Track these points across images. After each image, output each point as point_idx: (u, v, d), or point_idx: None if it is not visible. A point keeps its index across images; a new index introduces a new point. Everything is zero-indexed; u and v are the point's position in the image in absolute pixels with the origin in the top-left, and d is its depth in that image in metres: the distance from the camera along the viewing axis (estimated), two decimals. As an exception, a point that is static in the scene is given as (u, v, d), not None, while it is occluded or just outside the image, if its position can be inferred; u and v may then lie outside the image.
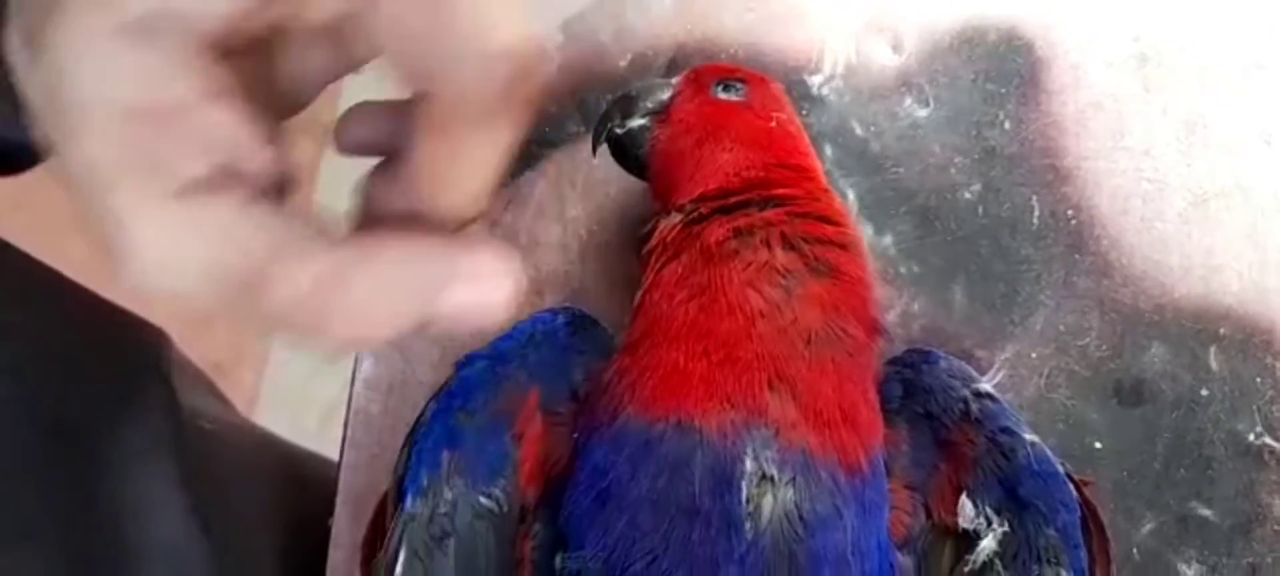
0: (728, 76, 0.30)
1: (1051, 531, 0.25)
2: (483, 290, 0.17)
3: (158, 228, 0.16)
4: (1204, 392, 0.30)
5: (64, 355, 0.31)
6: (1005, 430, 0.26)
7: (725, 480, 0.24)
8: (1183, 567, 0.28)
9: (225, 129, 0.17)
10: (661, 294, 0.27)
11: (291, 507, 0.36)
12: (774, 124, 0.29)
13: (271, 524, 0.35)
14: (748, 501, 0.24)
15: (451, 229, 0.18)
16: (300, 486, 0.38)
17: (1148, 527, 0.29)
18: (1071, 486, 0.25)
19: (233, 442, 0.37)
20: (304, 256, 0.17)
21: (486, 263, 0.17)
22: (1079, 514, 0.25)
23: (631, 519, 0.25)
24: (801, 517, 0.24)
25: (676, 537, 0.24)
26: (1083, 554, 0.25)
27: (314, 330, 0.17)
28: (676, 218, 0.28)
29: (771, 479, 0.24)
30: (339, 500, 0.31)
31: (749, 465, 0.24)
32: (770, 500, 0.24)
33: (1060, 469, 0.25)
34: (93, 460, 0.30)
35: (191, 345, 0.38)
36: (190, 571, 0.30)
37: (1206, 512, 0.29)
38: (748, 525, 0.24)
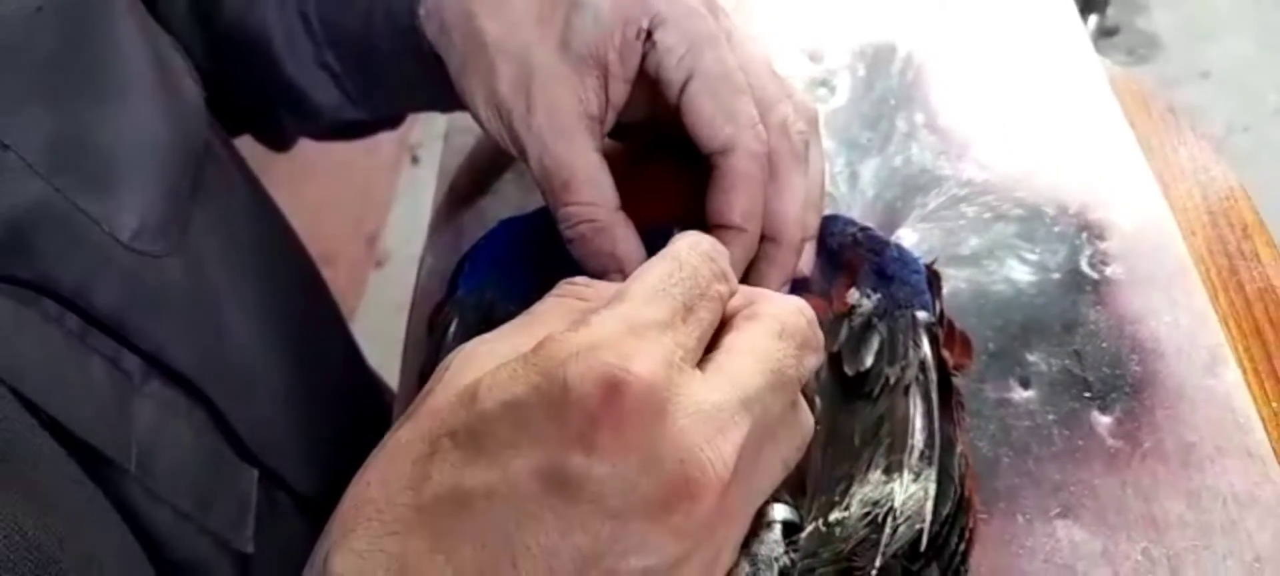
0: None
1: (907, 287, 0.36)
2: None
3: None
4: (1035, 255, 0.42)
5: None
6: (878, 242, 0.38)
7: None
8: (1027, 354, 0.39)
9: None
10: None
11: None
12: None
13: None
14: None
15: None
16: None
17: (999, 331, 0.39)
18: (920, 262, 0.37)
19: None
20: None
21: None
22: (925, 274, 0.36)
23: None
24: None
25: None
26: (928, 295, 0.36)
27: None
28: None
29: None
30: (405, 341, 0.42)
31: None
32: None
33: (913, 254, 0.37)
34: None
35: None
36: None
37: (1043, 320, 0.40)
38: None
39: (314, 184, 1.31)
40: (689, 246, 0.27)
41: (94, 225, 0.29)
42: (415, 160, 1.88)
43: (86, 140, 0.30)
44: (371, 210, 1.79)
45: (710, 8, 0.35)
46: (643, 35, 0.33)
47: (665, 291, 0.25)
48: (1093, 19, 1.59)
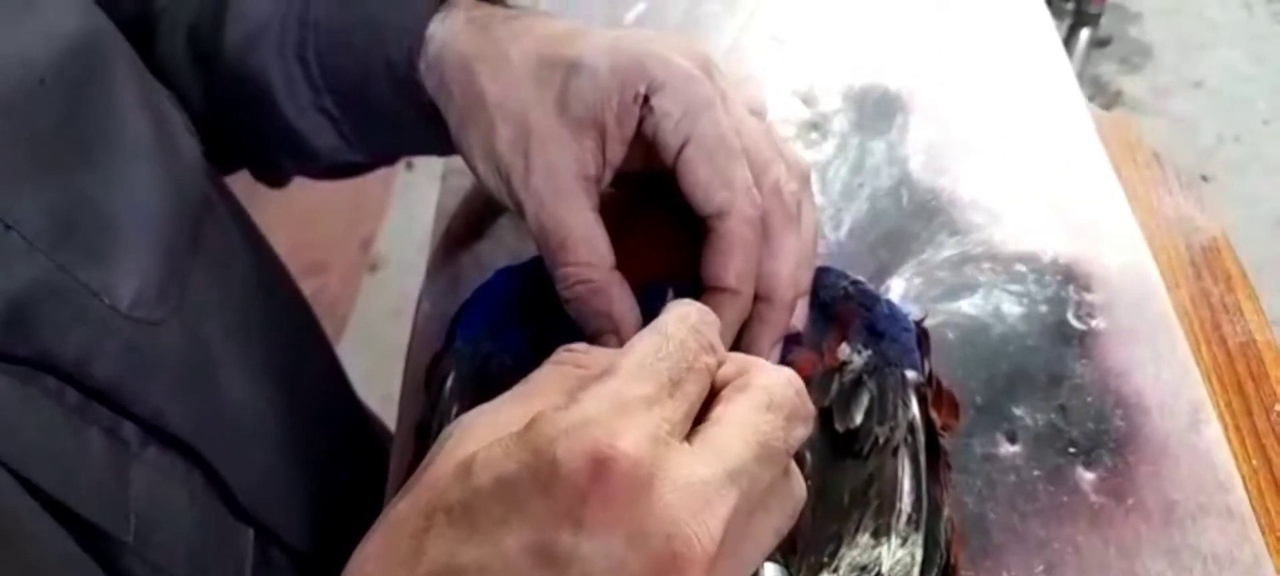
0: None
1: (897, 345, 0.36)
2: None
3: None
4: (1022, 305, 0.42)
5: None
6: (870, 296, 0.38)
7: None
8: (1013, 408, 0.39)
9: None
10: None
11: None
12: None
13: None
14: None
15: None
16: None
17: (986, 383, 0.40)
18: (910, 320, 0.37)
19: None
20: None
21: None
22: (915, 333, 0.37)
23: None
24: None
25: None
26: (918, 355, 0.36)
27: None
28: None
29: None
30: (402, 389, 0.43)
31: None
32: None
33: (902, 310, 0.37)
34: None
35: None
36: None
37: (1029, 371, 0.40)
38: None
39: (307, 189, 1.31)
40: (677, 320, 0.28)
41: (94, 297, 0.29)
42: (409, 165, 1.88)
43: (87, 211, 0.30)
44: (365, 215, 1.79)
45: (706, 69, 0.36)
46: (640, 99, 0.34)
47: (652, 367, 0.26)
48: (1085, 31, 1.59)
